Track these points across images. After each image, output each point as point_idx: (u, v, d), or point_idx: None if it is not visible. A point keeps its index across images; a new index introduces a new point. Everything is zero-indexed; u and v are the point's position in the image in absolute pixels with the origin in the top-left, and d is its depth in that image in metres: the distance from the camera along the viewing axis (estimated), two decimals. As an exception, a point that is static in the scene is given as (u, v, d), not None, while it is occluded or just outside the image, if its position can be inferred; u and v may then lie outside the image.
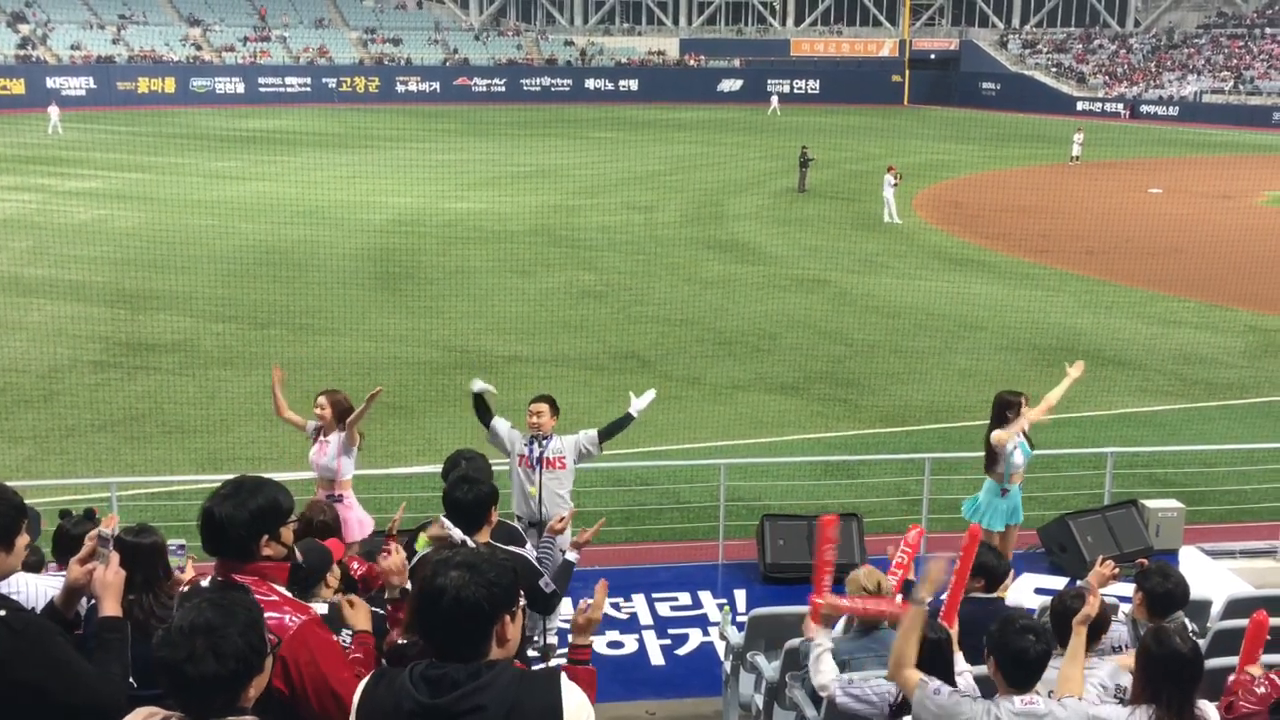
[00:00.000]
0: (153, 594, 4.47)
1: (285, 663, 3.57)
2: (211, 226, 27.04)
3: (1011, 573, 6.28)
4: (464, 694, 3.06)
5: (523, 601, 3.39)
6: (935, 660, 4.80)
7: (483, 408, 8.66)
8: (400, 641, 4.18)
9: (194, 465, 12.86)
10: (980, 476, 9.62)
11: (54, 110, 49.37)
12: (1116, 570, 6.04)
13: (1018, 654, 4.51)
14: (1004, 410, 9.17)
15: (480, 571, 3.15)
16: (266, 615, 3.57)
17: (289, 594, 3.86)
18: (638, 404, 8.75)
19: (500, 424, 8.65)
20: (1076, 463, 12.56)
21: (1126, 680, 5.12)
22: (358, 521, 8.71)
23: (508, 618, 3.20)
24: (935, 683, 4.57)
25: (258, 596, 3.62)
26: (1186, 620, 5.84)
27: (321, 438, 8.75)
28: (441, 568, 3.19)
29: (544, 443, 8.43)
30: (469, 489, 5.31)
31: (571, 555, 5.79)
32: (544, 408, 8.51)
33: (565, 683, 3.19)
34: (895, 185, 30.64)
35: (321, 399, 8.81)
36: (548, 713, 3.12)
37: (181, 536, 4.85)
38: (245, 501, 3.75)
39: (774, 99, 70.72)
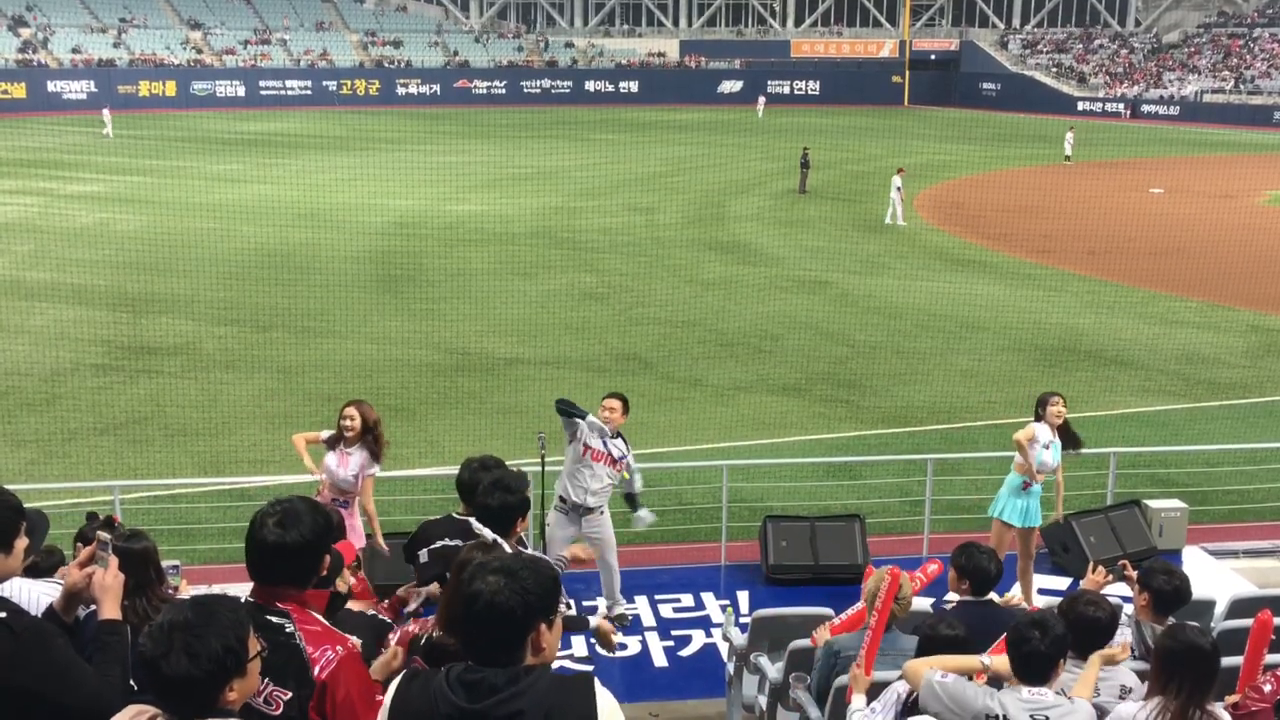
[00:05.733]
0: (145, 598, 4.47)
1: (324, 695, 3.53)
2: (213, 230, 27.06)
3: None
4: (502, 699, 3.05)
5: (562, 607, 3.35)
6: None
7: (575, 406, 8.80)
8: (434, 635, 4.17)
9: (196, 468, 12.86)
10: (986, 477, 9.61)
11: (106, 113, 49.78)
12: (1109, 576, 6.04)
13: (1026, 652, 4.53)
14: (1038, 407, 9.31)
15: (518, 578, 3.12)
16: (310, 650, 3.54)
17: (328, 623, 3.79)
18: (642, 515, 9.11)
19: (590, 418, 8.78)
20: (1079, 463, 12.48)
21: (1129, 680, 5.13)
22: (354, 534, 8.70)
23: (543, 626, 3.16)
24: (939, 671, 4.58)
25: (302, 627, 3.58)
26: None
27: (343, 449, 8.62)
28: (480, 571, 3.17)
29: (616, 440, 8.70)
30: (498, 497, 5.24)
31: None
32: (617, 404, 8.75)
33: (599, 688, 3.19)
34: (900, 188, 30.54)
35: (351, 410, 8.70)
36: (583, 718, 3.12)
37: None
38: (298, 525, 3.65)
39: (760, 100, 70.60)
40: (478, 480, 5.67)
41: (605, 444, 8.70)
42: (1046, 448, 9.16)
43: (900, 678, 4.96)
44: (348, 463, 8.62)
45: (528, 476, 6.03)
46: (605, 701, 3.17)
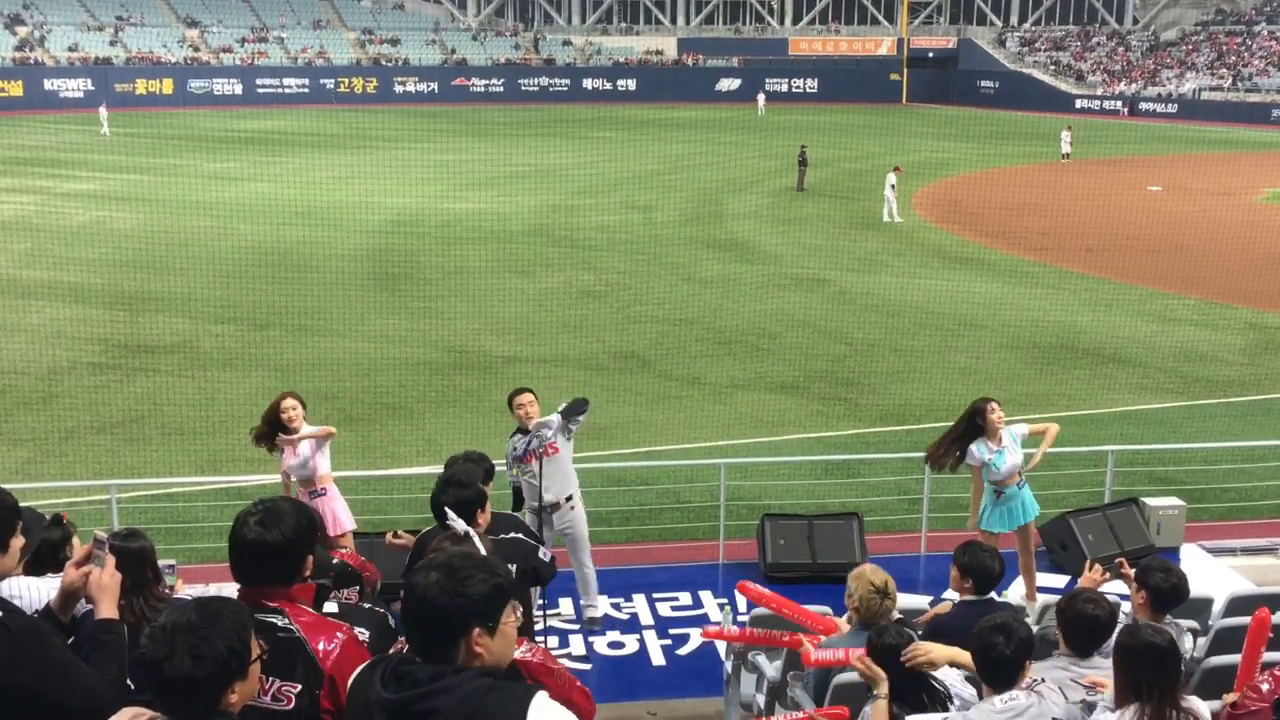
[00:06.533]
0: (143, 597, 4.47)
1: (334, 684, 3.52)
2: (210, 228, 27.04)
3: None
4: (419, 694, 2.95)
5: (517, 615, 3.26)
6: (903, 674, 4.86)
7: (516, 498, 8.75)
8: None
9: (194, 467, 12.84)
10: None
11: (103, 111, 49.65)
12: (1106, 574, 6.03)
13: (993, 658, 4.55)
14: (974, 417, 8.97)
15: (457, 579, 3.00)
16: (310, 640, 3.53)
17: (317, 613, 3.78)
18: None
19: (508, 449, 8.71)
20: (1077, 461, 12.53)
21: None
22: (343, 514, 8.72)
23: (478, 631, 3.00)
24: None
25: (295, 620, 3.57)
26: (1176, 620, 5.82)
27: (288, 441, 8.70)
28: (426, 565, 3.11)
29: (540, 432, 8.54)
30: (452, 493, 5.34)
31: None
32: (531, 397, 8.65)
33: (541, 700, 2.97)
34: (894, 185, 30.62)
35: (292, 401, 8.76)
36: None
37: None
38: (280, 524, 3.64)
39: (761, 98, 70.55)
40: None
41: (527, 446, 8.55)
42: (995, 456, 8.89)
43: None
44: (298, 448, 8.64)
45: (487, 457, 6.03)
46: (544, 715, 2.94)
